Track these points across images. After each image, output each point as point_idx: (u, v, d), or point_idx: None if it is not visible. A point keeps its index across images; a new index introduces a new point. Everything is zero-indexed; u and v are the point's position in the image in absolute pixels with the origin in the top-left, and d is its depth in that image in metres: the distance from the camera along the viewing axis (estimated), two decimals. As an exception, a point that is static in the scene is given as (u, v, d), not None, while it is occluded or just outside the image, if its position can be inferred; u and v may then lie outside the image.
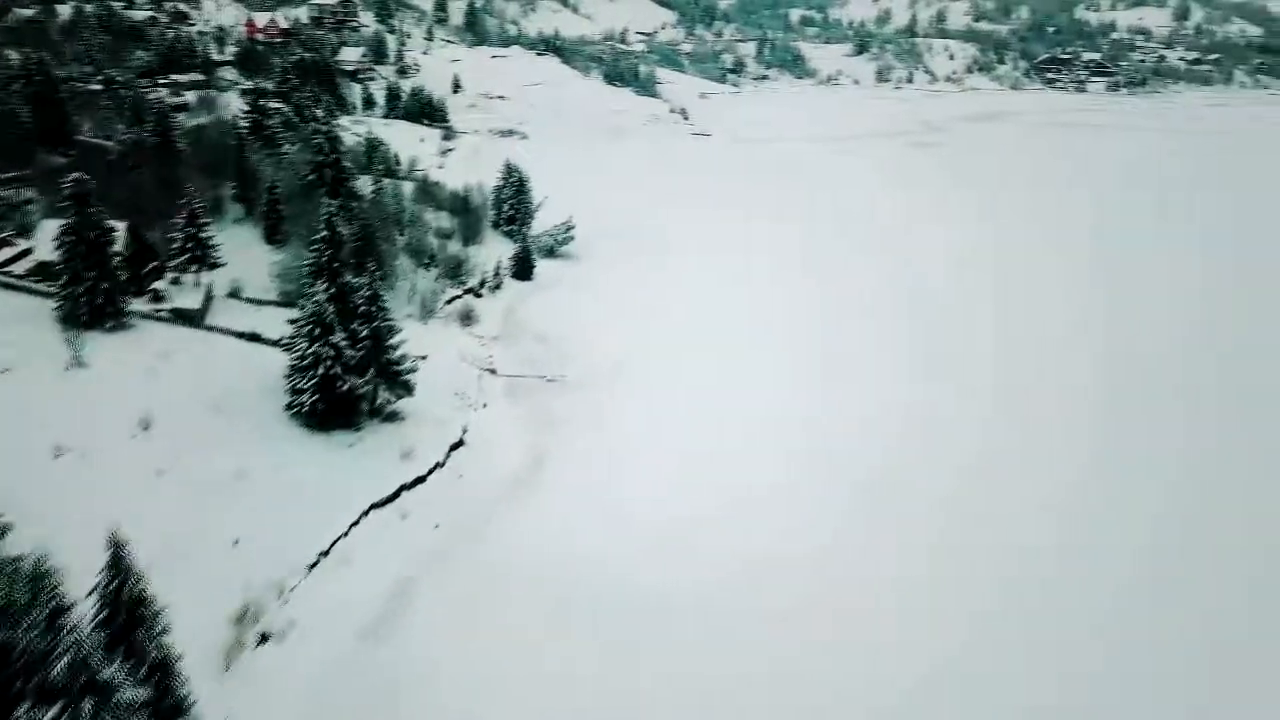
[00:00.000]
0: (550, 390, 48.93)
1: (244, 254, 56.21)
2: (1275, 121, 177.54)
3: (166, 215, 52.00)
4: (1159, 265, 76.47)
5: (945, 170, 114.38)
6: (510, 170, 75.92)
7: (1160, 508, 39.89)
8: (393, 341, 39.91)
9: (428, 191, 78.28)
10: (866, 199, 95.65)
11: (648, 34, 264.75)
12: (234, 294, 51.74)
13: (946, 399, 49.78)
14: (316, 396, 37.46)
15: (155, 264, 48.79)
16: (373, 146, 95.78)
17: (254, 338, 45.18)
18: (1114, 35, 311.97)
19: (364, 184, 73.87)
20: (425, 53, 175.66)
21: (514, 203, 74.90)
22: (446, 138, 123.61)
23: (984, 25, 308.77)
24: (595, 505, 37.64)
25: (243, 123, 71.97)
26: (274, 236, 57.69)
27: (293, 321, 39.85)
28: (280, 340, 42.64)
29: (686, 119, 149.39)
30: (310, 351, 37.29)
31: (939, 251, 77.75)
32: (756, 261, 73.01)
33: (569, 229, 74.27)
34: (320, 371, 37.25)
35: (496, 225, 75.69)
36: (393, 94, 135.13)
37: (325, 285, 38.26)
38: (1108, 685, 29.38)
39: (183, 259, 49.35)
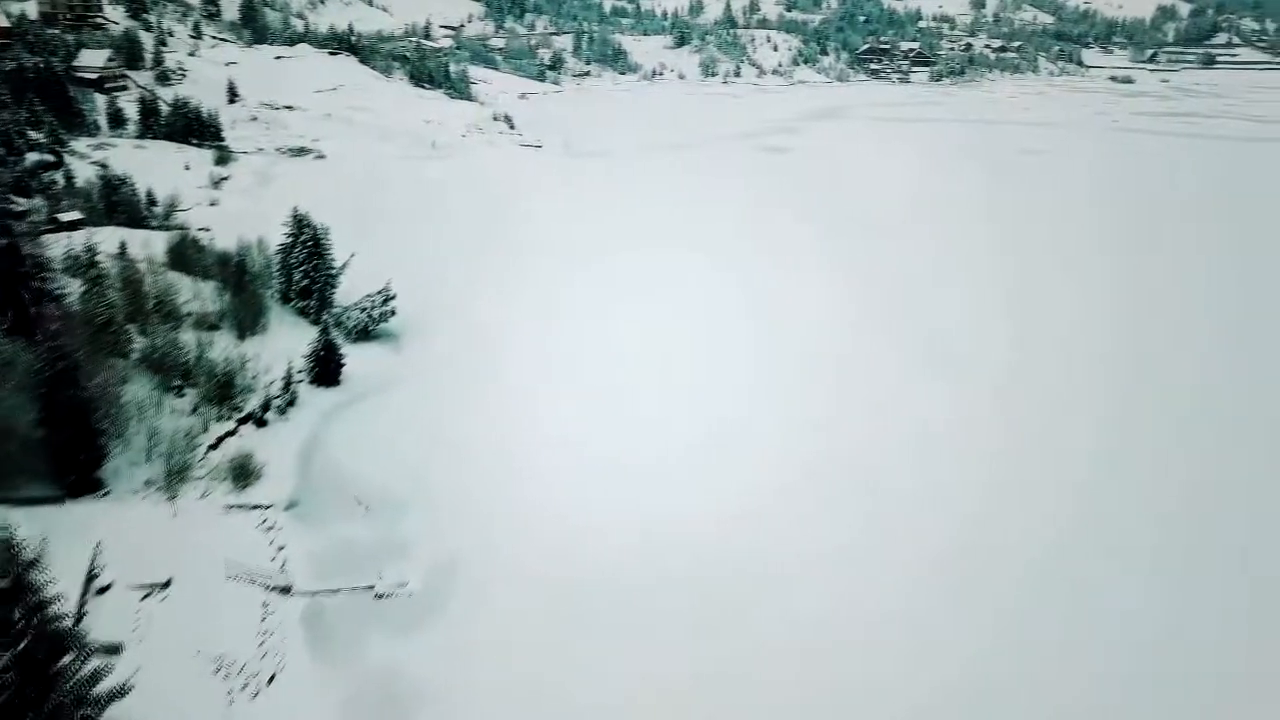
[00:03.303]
0: (386, 618, 30.51)
1: None
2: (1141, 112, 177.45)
3: None
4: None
5: (812, 182, 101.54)
6: (301, 223, 55.75)
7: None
8: (66, 660, 20.54)
9: (185, 255, 56.97)
10: (750, 223, 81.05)
11: (454, 28, 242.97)
12: None
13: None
14: (-107, 820, 17.92)
15: None
16: (111, 186, 72.73)
17: None
18: (921, 24, 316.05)
19: (105, 241, 52.92)
20: (192, 54, 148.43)
21: (308, 268, 54.93)
22: (221, 161, 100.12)
23: (796, 15, 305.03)
24: None
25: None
26: (-91, 373, 36.06)
27: None
28: None
29: (512, 127, 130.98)
30: None
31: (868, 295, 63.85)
32: (648, 329, 56.62)
33: (387, 299, 55.14)
34: (-106, 774, 17.74)
35: (286, 299, 55.59)
36: (149, 107, 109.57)
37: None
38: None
39: None
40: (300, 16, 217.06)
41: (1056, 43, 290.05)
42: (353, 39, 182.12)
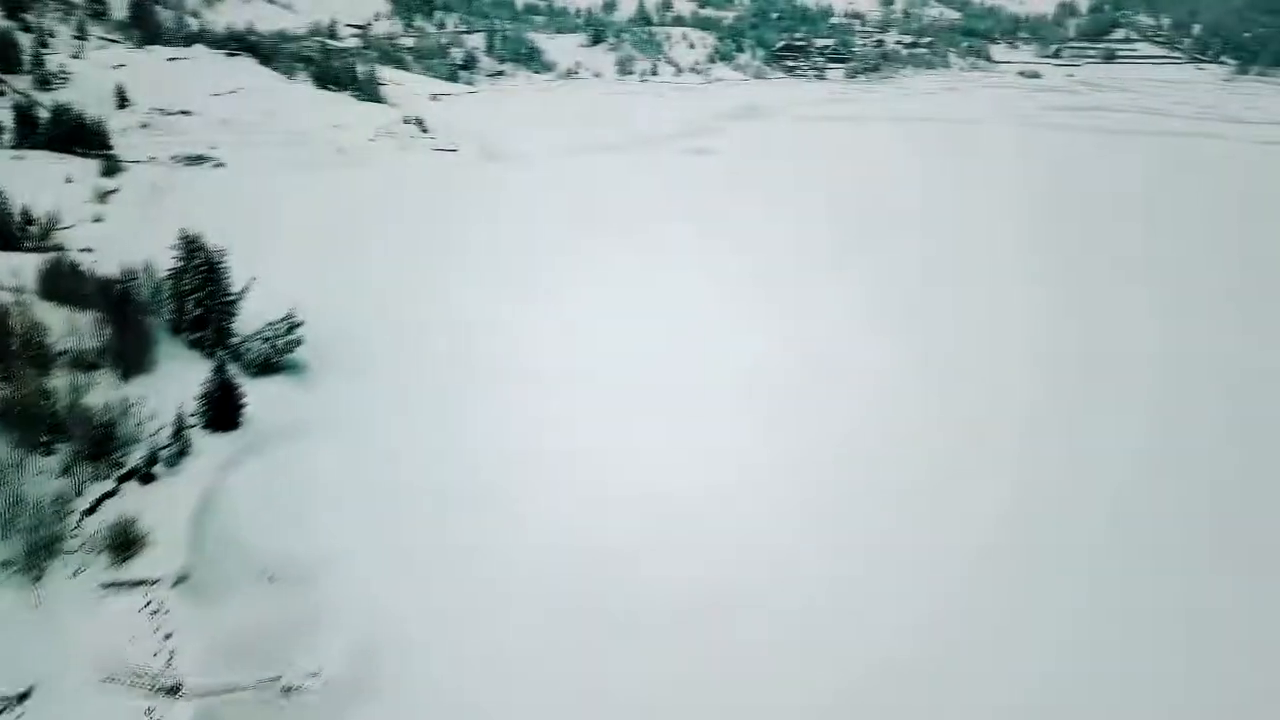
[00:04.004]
0: (297, 718, 26.17)
1: None
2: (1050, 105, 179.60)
3: None
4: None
5: (747, 185, 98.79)
6: (192, 245, 50.33)
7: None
8: None
9: (60, 282, 50.99)
10: (689, 233, 77.72)
11: (360, 26, 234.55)
12: None
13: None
14: None
15: None
16: (-24, 204, 65.73)
17: None
18: (833, 20, 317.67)
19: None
20: (76, 56, 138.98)
21: (202, 296, 49.54)
22: (109, 172, 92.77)
23: (710, 12, 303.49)
24: None
25: None
26: None
27: None
28: None
29: (425, 130, 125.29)
30: None
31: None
32: (589, 342, 52.81)
33: (293, 326, 50.08)
34: None
35: (179, 330, 50.15)
36: (26, 114, 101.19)
37: None
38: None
39: None
40: (195, 15, 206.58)
41: (965, 38, 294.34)
42: (252, 39, 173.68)
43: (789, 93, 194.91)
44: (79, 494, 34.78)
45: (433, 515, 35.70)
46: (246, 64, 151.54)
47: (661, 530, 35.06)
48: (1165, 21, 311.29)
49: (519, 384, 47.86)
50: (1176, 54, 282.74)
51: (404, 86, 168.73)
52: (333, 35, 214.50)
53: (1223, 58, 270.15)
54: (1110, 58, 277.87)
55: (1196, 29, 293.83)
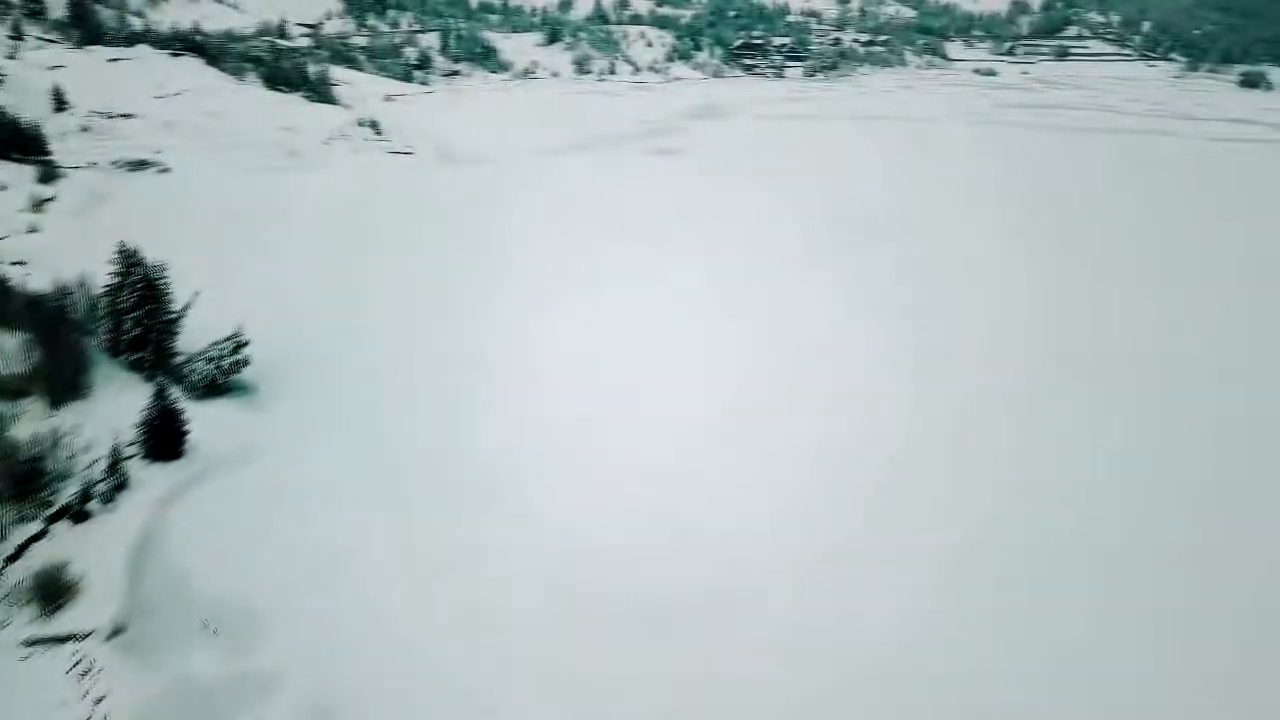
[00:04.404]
0: (239, 792, 23.77)
1: None
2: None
3: None
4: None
5: (717, 191, 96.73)
6: (130, 259, 47.23)
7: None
8: None
9: (-13, 301, 47.71)
10: (659, 238, 75.60)
11: (311, 25, 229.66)
12: None
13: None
14: None
15: None
16: (-100, 216, 61.98)
17: None
18: (790, 18, 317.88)
19: None
20: (12, 57, 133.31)
21: (141, 315, 46.49)
22: (45, 179, 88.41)
23: (667, 10, 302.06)
24: None
25: None
26: None
27: None
28: None
29: (380, 133, 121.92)
30: None
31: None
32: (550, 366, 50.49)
33: (239, 345, 47.20)
34: None
35: (116, 351, 47.06)
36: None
37: None
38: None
39: None
40: (139, 15, 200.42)
41: (921, 36, 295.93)
42: (199, 39, 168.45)
43: (748, 91, 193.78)
44: (2, 538, 31.91)
45: (393, 542, 33.35)
46: (192, 65, 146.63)
47: (651, 532, 33.42)
48: (1115, 19, 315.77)
49: (473, 394, 45.65)
50: (1127, 51, 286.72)
51: (357, 87, 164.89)
52: (283, 35, 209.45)
53: (1172, 55, 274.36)
54: (1063, 55, 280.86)
55: (1146, 26, 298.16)
